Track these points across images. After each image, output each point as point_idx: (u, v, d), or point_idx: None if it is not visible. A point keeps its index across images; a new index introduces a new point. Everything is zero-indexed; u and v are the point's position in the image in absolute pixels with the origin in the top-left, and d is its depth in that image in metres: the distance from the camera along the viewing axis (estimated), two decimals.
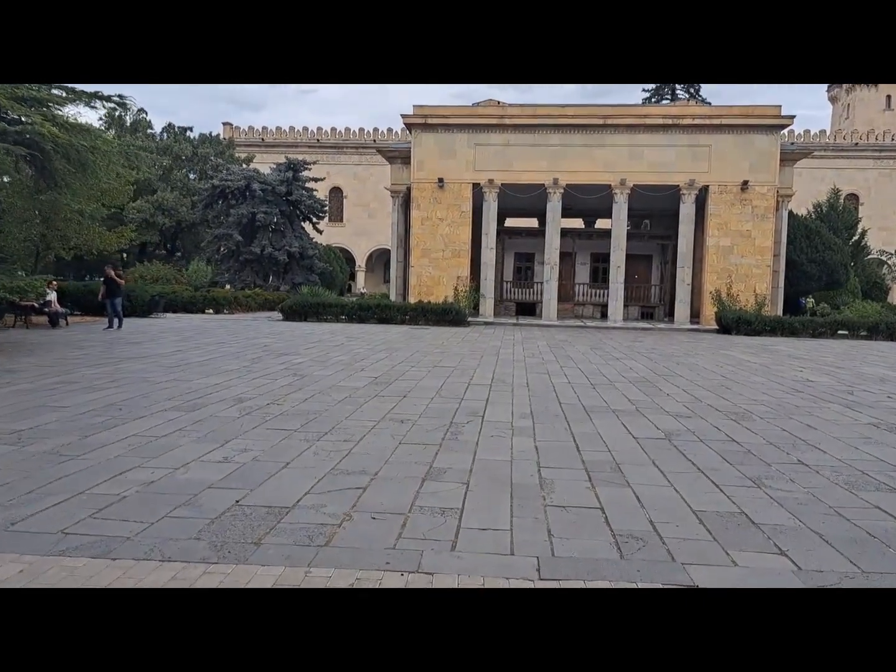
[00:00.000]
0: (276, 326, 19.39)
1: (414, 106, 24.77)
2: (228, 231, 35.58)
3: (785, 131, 26.14)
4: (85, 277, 35.69)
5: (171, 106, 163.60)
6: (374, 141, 51.26)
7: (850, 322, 21.80)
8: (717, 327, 22.54)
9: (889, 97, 62.36)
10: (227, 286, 35.37)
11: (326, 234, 48.69)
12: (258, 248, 35.35)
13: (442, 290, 24.47)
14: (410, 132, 25.04)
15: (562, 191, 24.25)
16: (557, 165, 24.02)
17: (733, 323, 21.37)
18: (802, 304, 27.78)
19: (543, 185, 24.16)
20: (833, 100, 69.55)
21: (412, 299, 24.37)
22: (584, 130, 23.93)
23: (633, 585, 2.98)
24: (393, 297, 25.90)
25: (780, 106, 23.50)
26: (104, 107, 12.11)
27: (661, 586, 2.96)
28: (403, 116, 24.51)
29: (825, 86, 72.48)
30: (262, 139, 54.70)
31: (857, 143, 51.40)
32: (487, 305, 24.99)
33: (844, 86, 65.61)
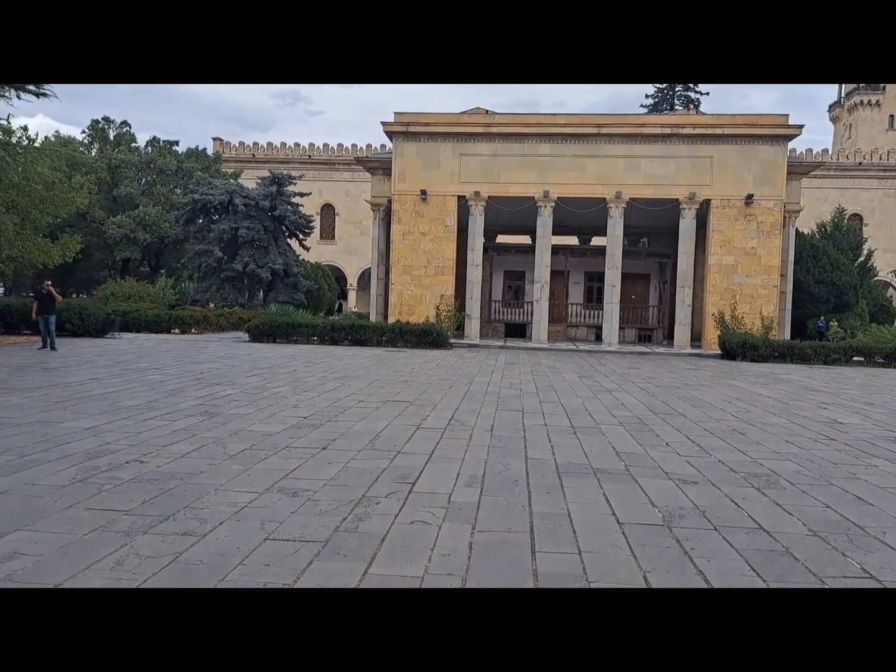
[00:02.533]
0: (236, 349, 17.61)
1: (395, 113, 23.21)
2: (209, 247, 34.04)
3: (787, 149, 24.58)
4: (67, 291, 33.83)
5: (178, 126, 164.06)
6: (368, 157, 49.93)
7: (866, 348, 20.01)
8: (720, 352, 20.73)
9: (892, 117, 61.34)
10: (210, 304, 33.70)
11: (318, 252, 47.19)
12: (240, 264, 33.80)
13: (424, 310, 22.72)
14: (392, 140, 23.51)
15: (553, 204, 22.60)
16: (548, 177, 22.37)
17: (738, 347, 19.57)
18: (821, 327, 25.86)
19: (533, 197, 22.51)
20: (835, 120, 68.58)
21: (392, 319, 22.62)
22: (577, 140, 22.30)
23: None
24: (373, 317, 24.14)
25: (787, 115, 21.91)
26: (19, 97, 10.54)
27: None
28: (384, 124, 22.96)
29: (826, 107, 71.63)
30: (253, 155, 53.40)
31: (860, 163, 50.06)
32: (473, 326, 23.21)
33: (846, 105, 64.65)
